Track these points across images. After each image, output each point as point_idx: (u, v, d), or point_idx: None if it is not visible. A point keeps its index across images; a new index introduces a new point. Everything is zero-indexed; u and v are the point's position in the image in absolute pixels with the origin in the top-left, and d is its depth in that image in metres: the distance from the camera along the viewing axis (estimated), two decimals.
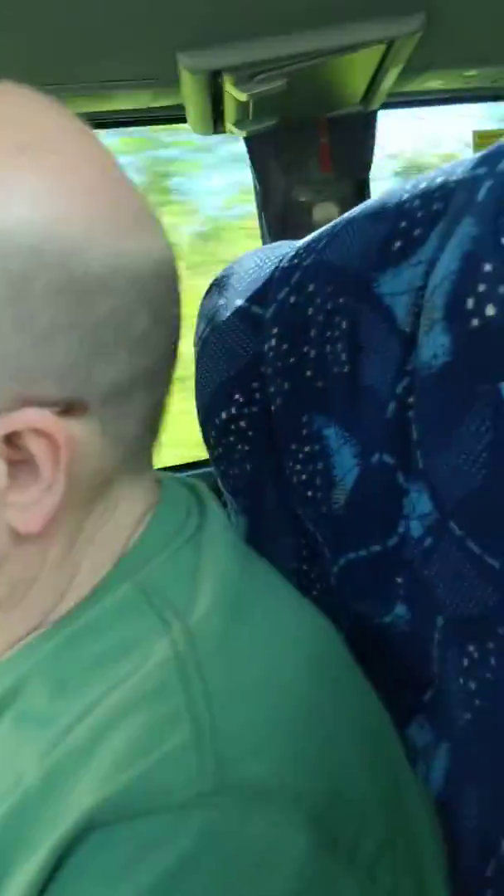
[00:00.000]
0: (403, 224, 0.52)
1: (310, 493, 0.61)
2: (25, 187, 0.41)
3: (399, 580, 0.56)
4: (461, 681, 0.53)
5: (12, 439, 0.42)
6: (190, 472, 1.33)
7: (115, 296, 0.43)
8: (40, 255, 0.40)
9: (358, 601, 0.60)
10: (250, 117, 1.12)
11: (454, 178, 0.49)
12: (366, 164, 1.27)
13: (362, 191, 1.29)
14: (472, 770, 0.52)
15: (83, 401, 0.43)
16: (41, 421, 0.42)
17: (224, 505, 0.70)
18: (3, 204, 0.40)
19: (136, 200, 0.46)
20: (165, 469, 1.44)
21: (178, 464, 1.39)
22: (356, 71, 1.07)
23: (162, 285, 0.46)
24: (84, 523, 0.48)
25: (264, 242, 1.36)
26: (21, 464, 0.43)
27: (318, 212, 1.27)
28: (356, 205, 0.58)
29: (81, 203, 0.42)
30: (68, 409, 0.43)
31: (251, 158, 1.30)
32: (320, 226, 0.61)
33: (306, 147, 1.25)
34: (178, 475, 0.58)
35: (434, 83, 1.21)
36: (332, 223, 0.59)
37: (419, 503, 0.52)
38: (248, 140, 1.29)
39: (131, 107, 1.13)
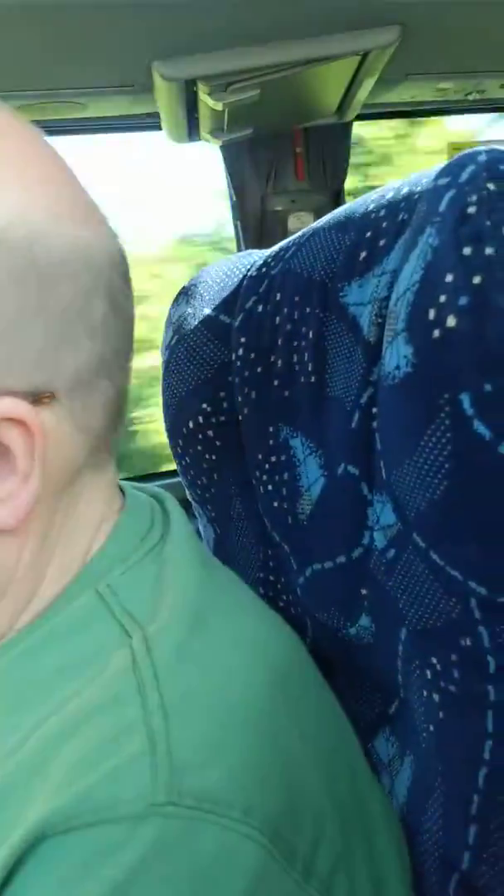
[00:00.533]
0: (369, 234, 0.52)
1: (276, 504, 0.60)
2: None
3: (364, 592, 0.56)
4: (425, 693, 0.52)
5: None
6: (159, 483, 1.32)
7: (75, 282, 0.43)
8: (2, 243, 0.41)
9: (323, 612, 0.59)
10: (225, 126, 1.12)
11: (419, 188, 0.49)
12: (341, 174, 1.27)
13: (337, 200, 1.29)
14: (435, 783, 0.52)
15: (52, 390, 0.43)
16: (16, 410, 0.42)
17: (192, 514, 0.69)
18: None
19: (85, 194, 0.47)
20: (134, 479, 1.43)
21: (146, 473, 1.38)
22: (331, 82, 1.07)
23: (116, 273, 0.46)
24: (54, 518, 0.47)
25: (239, 251, 1.36)
26: None
27: (293, 221, 1.27)
28: None
29: (38, 192, 0.43)
30: (38, 398, 0.43)
31: (226, 167, 1.30)
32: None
33: (281, 157, 1.25)
34: (143, 484, 0.58)
35: (409, 95, 1.22)
36: (299, 233, 0.59)
37: (383, 514, 0.52)
38: (223, 149, 1.29)
39: (107, 114, 1.12)
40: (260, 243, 1.31)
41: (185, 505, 0.65)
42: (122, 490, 0.54)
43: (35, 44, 0.94)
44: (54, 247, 0.42)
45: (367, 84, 1.09)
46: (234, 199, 1.33)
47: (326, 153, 1.25)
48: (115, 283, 0.46)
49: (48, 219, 0.42)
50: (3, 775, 0.42)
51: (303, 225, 1.25)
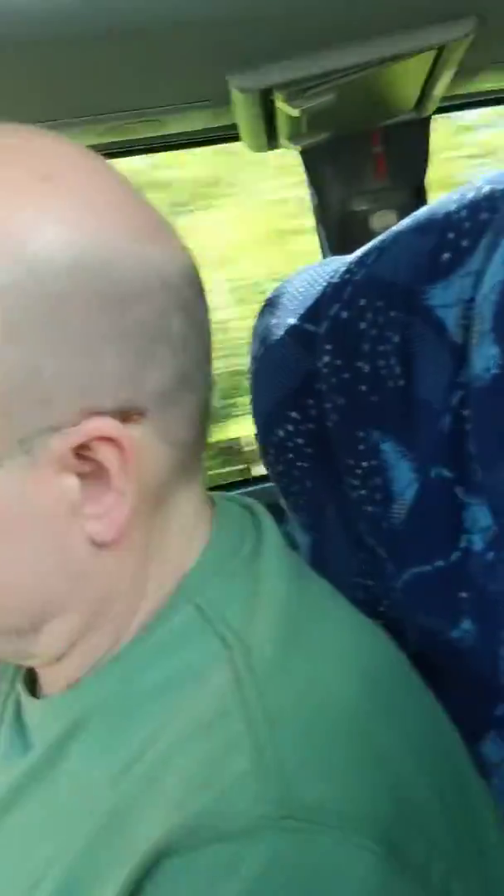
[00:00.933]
0: (451, 235, 0.52)
1: (370, 509, 0.60)
2: (53, 211, 0.43)
3: (464, 595, 0.55)
4: None
5: (80, 452, 0.44)
6: (252, 489, 1.33)
7: (151, 301, 0.44)
8: (77, 272, 0.42)
9: (424, 616, 0.59)
10: (304, 131, 1.13)
11: (501, 187, 0.48)
12: (421, 171, 1.26)
13: (419, 197, 1.28)
14: None
15: (139, 406, 0.45)
16: (107, 428, 0.43)
17: (286, 521, 0.70)
18: (34, 230, 0.42)
19: (153, 212, 0.48)
20: (229, 485, 1.45)
21: (240, 479, 1.39)
22: (408, 78, 1.06)
23: (190, 288, 0.47)
24: (151, 533, 0.48)
25: (323, 254, 1.36)
26: (90, 476, 0.45)
27: (376, 221, 1.26)
28: (413, 212, 0.57)
29: (107, 218, 0.44)
30: (126, 416, 0.44)
31: (307, 171, 1.30)
32: (379, 234, 0.61)
33: (361, 157, 1.24)
34: (233, 494, 0.59)
35: (488, 84, 1.19)
36: (381, 237, 0.59)
37: (479, 517, 0.52)
38: (303, 153, 1.29)
39: (184, 129, 1.14)
40: (343, 244, 1.31)
41: (279, 511, 0.66)
42: (212, 501, 0.55)
43: (111, 66, 0.96)
44: (129, 269, 0.43)
45: (446, 77, 1.07)
46: (316, 201, 1.33)
47: (406, 150, 1.23)
48: (189, 297, 0.47)
49: (121, 242, 0.44)
50: (117, 795, 0.43)
51: (386, 224, 1.25)
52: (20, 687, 0.55)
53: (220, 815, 0.38)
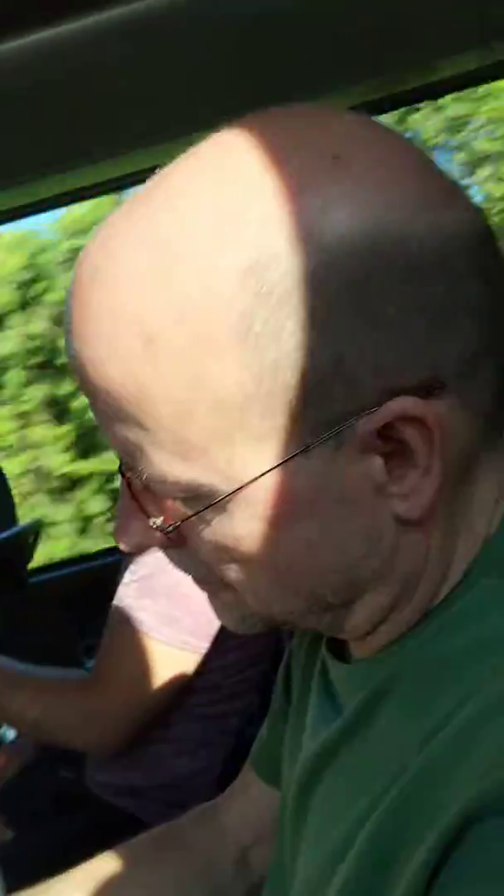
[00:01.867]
0: None
1: None
2: (345, 193, 0.42)
3: None
4: None
5: (383, 432, 0.43)
6: None
7: (449, 268, 0.43)
8: (374, 251, 0.41)
9: None
10: None
11: None
12: None
13: None
14: None
15: (440, 379, 0.43)
16: (410, 407, 0.43)
17: None
18: (329, 216, 0.42)
19: (442, 176, 0.46)
20: None
21: None
22: None
23: (486, 250, 0.45)
24: (454, 506, 0.47)
25: None
26: (394, 455, 0.44)
27: None
28: None
29: (399, 190, 0.43)
30: (429, 391, 0.43)
31: None
32: None
33: None
34: None
35: None
36: None
37: None
38: None
39: (456, 72, 1.14)
40: None
41: None
42: None
43: (386, 20, 0.99)
44: (425, 240, 0.42)
45: None
46: None
47: None
48: (487, 259, 0.45)
49: (414, 213, 0.43)
50: (425, 758, 0.43)
51: None
52: (325, 652, 0.57)
53: None
